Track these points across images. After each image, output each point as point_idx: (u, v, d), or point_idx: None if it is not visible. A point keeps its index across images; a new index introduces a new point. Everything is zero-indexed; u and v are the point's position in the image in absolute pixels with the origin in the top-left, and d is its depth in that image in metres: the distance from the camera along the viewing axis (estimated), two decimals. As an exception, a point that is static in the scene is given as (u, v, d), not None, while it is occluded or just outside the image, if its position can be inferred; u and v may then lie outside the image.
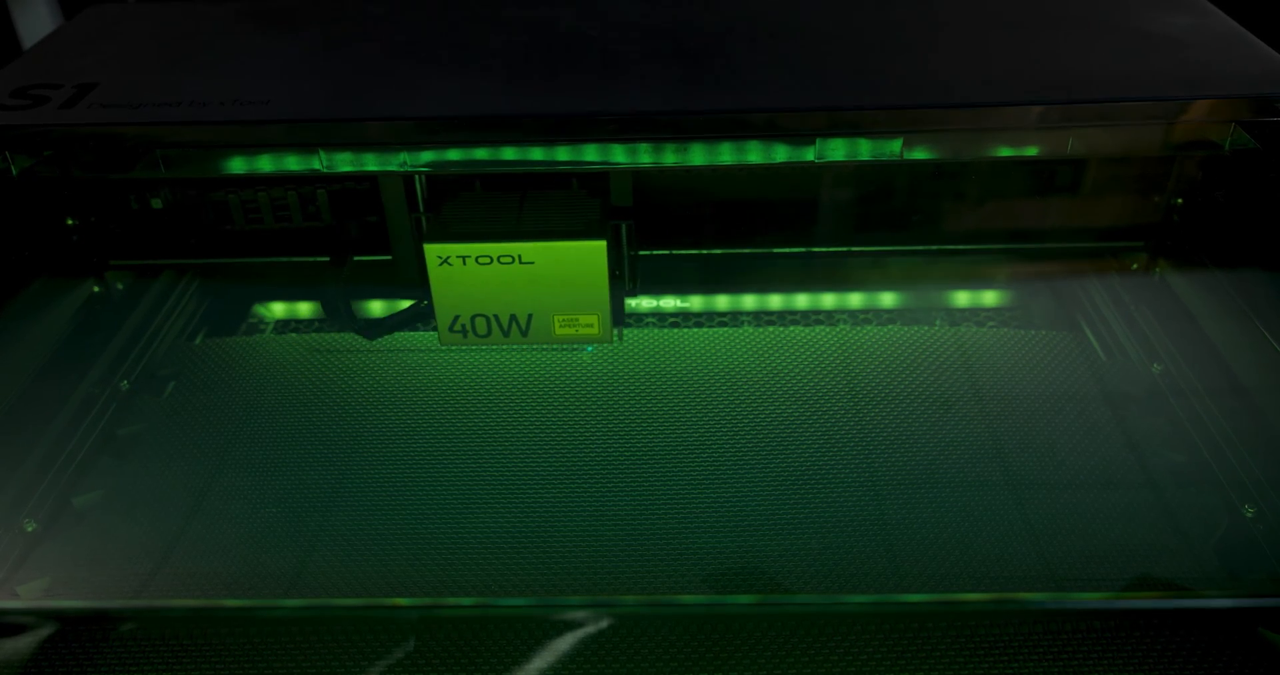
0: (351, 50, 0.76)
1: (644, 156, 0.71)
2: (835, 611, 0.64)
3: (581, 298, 0.75)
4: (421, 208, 0.80)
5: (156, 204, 0.86)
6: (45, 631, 0.62)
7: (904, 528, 0.70)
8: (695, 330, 0.89)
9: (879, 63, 0.73)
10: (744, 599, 0.66)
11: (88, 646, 0.62)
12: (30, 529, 0.71)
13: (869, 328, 0.90)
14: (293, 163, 0.71)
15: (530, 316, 0.76)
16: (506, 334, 0.77)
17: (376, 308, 0.91)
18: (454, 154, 0.70)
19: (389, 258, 0.84)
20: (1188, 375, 0.79)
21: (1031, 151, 0.72)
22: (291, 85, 0.70)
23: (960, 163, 0.82)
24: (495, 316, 0.76)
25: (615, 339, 0.78)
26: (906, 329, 0.89)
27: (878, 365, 0.84)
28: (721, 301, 0.93)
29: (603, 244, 0.73)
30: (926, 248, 0.91)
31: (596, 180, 0.80)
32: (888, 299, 0.93)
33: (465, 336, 0.77)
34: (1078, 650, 0.61)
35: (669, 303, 0.92)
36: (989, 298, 0.93)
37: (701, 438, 0.78)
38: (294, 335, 0.92)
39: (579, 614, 0.63)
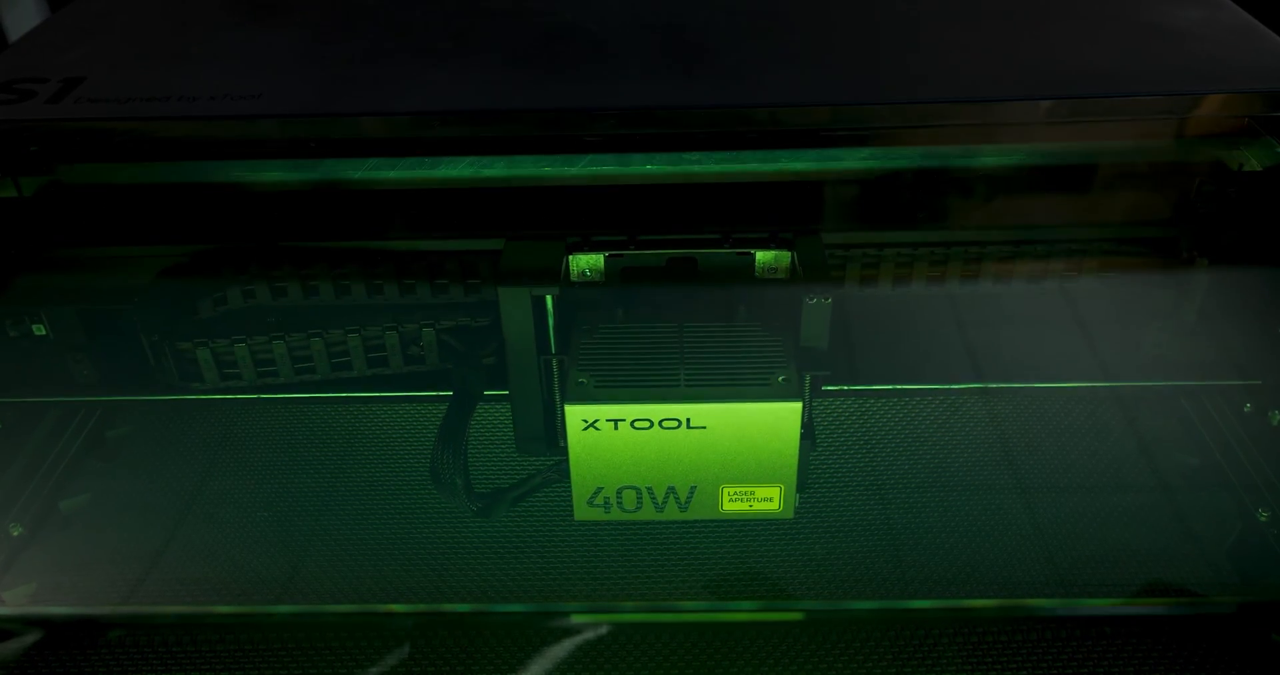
0: (345, 42, 0.75)
1: (646, 165, 0.69)
2: (840, 618, 0.63)
3: (762, 467, 0.60)
4: (553, 347, 0.63)
5: (39, 330, 0.70)
6: (31, 638, 0.62)
7: (910, 532, 0.69)
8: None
9: (883, 56, 0.71)
10: (746, 605, 0.65)
11: (75, 653, 0.61)
12: (16, 533, 0.70)
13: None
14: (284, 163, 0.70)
15: (693, 489, 0.61)
16: (660, 509, 0.62)
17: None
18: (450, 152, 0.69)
19: (504, 392, 0.66)
20: (1199, 375, 0.78)
21: (1039, 147, 0.71)
22: (284, 79, 0.69)
23: (969, 164, 0.81)
24: (649, 489, 0.61)
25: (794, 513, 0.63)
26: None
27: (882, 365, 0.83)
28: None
29: (798, 407, 0.58)
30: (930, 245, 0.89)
31: (770, 308, 0.64)
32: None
33: (608, 510, 0.62)
34: (1088, 657, 0.60)
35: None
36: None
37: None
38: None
39: (577, 621, 0.62)
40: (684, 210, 0.68)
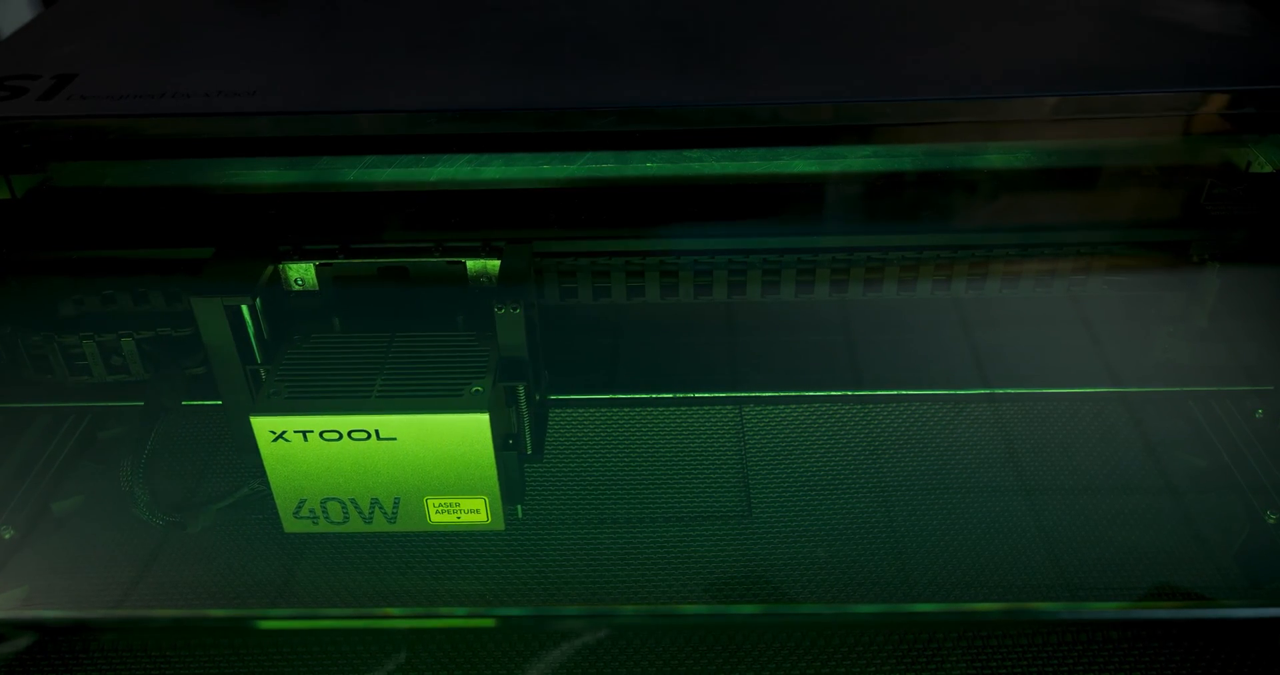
0: (343, 39, 0.74)
1: (647, 164, 0.68)
2: (843, 621, 0.62)
3: (461, 479, 0.60)
4: (258, 357, 0.62)
5: None
6: (23, 642, 0.62)
7: (914, 534, 0.68)
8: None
9: (885, 53, 0.71)
10: (747, 609, 0.65)
11: (67, 658, 0.61)
12: (8, 535, 0.70)
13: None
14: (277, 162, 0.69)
15: (397, 500, 0.61)
16: (368, 520, 0.62)
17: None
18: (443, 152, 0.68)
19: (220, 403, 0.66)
20: (1206, 375, 0.77)
21: (1044, 145, 0.70)
22: (281, 75, 0.68)
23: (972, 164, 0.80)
24: (353, 501, 0.61)
25: (513, 517, 0.63)
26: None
27: (886, 365, 0.83)
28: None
29: (484, 417, 0.57)
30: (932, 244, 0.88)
31: (481, 318, 0.64)
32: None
33: (315, 522, 0.62)
34: (1094, 661, 0.59)
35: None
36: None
37: (704, 442, 0.76)
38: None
39: (576, 624, 0.61)
40: (411, 218, 0.68)
